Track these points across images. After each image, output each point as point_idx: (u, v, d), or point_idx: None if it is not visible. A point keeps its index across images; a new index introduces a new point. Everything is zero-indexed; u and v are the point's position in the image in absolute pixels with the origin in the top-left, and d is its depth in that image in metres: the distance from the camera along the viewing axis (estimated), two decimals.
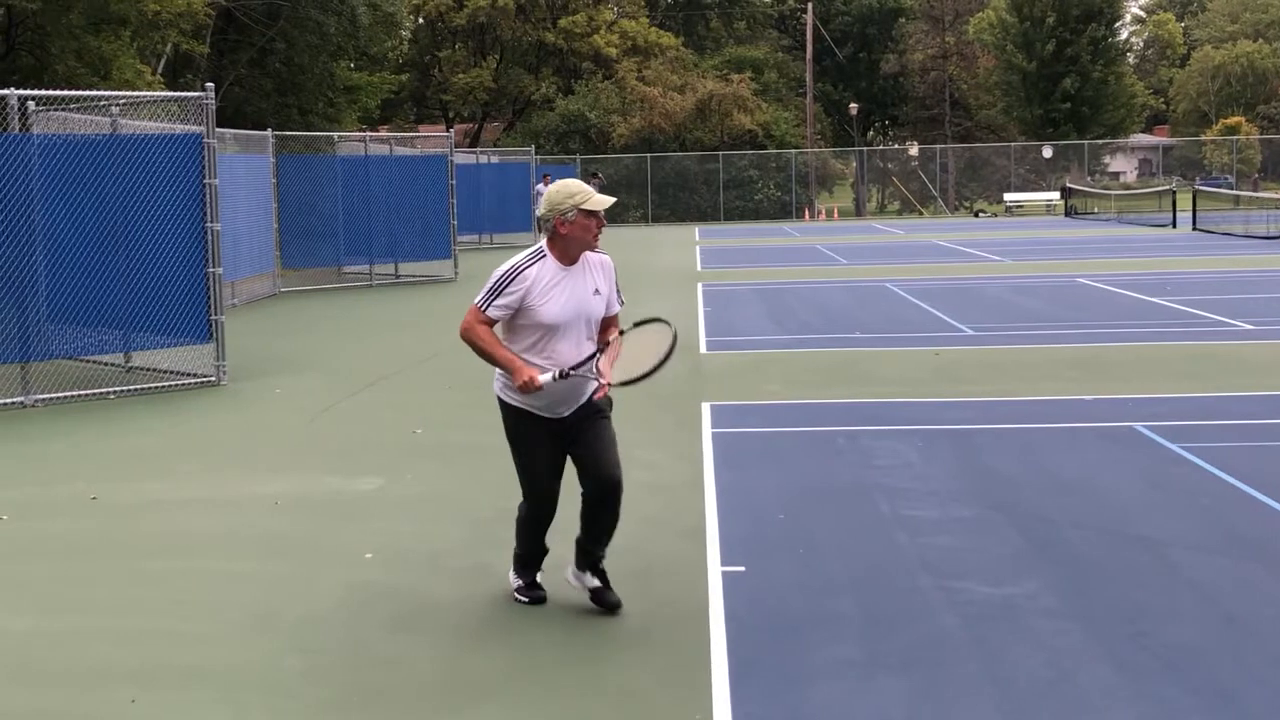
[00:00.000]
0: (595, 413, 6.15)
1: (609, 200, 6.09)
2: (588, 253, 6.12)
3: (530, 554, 6.53)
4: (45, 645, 6.24)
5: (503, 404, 6.23)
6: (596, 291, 6.10)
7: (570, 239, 6.03)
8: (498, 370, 6.14)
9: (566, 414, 6.12)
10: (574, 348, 6.04)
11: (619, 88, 63.08)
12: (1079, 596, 6.53)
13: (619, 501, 6.20)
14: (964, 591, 6.61)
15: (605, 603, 6.33)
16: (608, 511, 6.19)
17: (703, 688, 5.48)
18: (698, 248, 37.63)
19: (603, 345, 6.13)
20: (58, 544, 8.01)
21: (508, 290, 5.97)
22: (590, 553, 6.33)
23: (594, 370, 6.00)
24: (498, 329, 6.10)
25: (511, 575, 6.63)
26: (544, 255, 6.05)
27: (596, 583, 6.35)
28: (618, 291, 6.27)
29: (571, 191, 6.03)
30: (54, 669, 5.93)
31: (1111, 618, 6.21)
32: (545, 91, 66.51)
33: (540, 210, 6.15)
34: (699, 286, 24.27)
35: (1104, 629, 6.06)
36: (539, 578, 6.57)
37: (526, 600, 6.50)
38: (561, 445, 6.19)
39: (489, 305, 6.00)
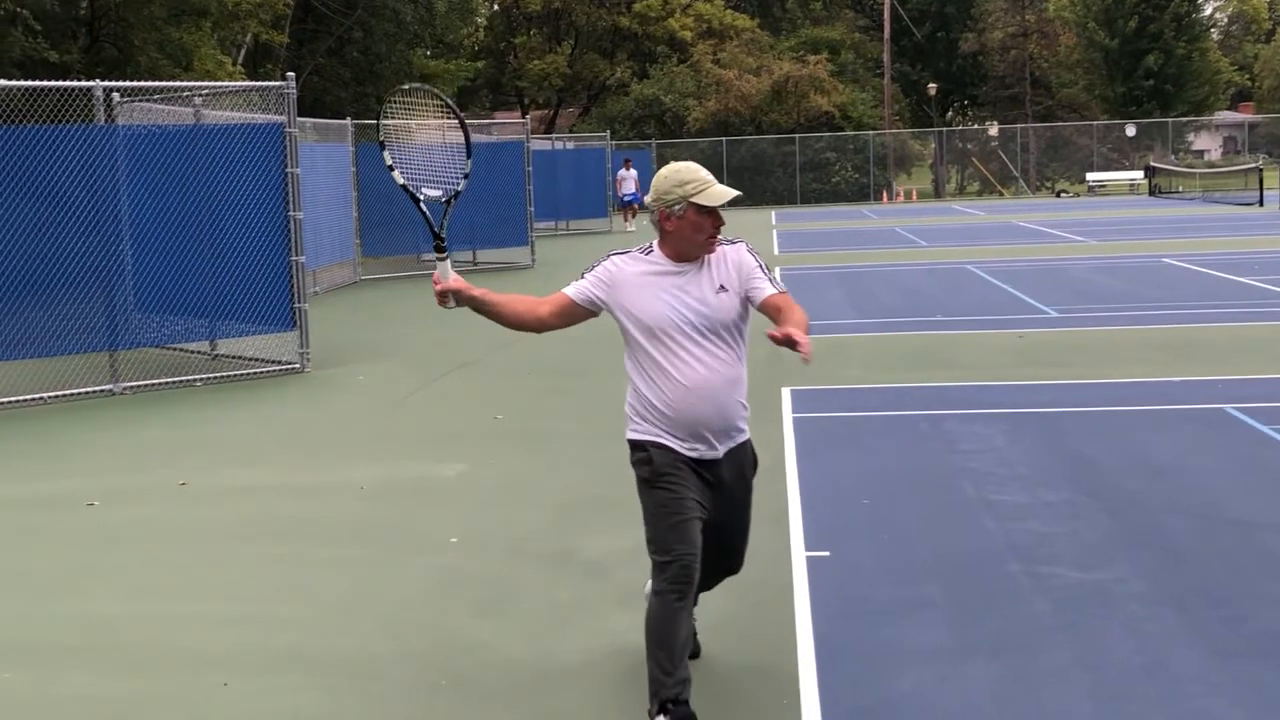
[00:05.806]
0: (739, 477, 5.17)
1: (730, 193, 4.85)
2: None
3: (668, 654, 4.78)
4: (137, 630, 6.34)
5: (634, 446, 5.04)
6: (721, 289, 4.89)
7: (679, 237, 4.88)
8: (628, 409, 5.10)
9: (716, 448, 5.06)
10: (698, 358, 4.91)
11: (694, 71, 62.88)
12: (1170, 581, 6.43)
13: (726, 576, 5.48)
14: (1054, 577, 6.53)
15: None
16: (709, 585, 5.46)
17: (789, 674, 5.46)
18: (775, 231, 37.48)
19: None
20: (147, 530, 8.13)
21: (594, 270, 5.05)
22: None
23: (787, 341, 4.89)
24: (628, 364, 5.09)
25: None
26: (650, 249, 5.00)
27: None
28: (767, 276, 4.99)
29: (683, 179, 4.84)
30: (146, 653, 6.02)
31: (1204, 602, 6.12)
32: (620, 76, 66.45)
33: (647, 199, 5.01)
34: (777, 271, 24.15)
35: (1196, 614, 5.97)
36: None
37: None
38: (704, 492, 5.00)
39: (573, 281, 5.13)
